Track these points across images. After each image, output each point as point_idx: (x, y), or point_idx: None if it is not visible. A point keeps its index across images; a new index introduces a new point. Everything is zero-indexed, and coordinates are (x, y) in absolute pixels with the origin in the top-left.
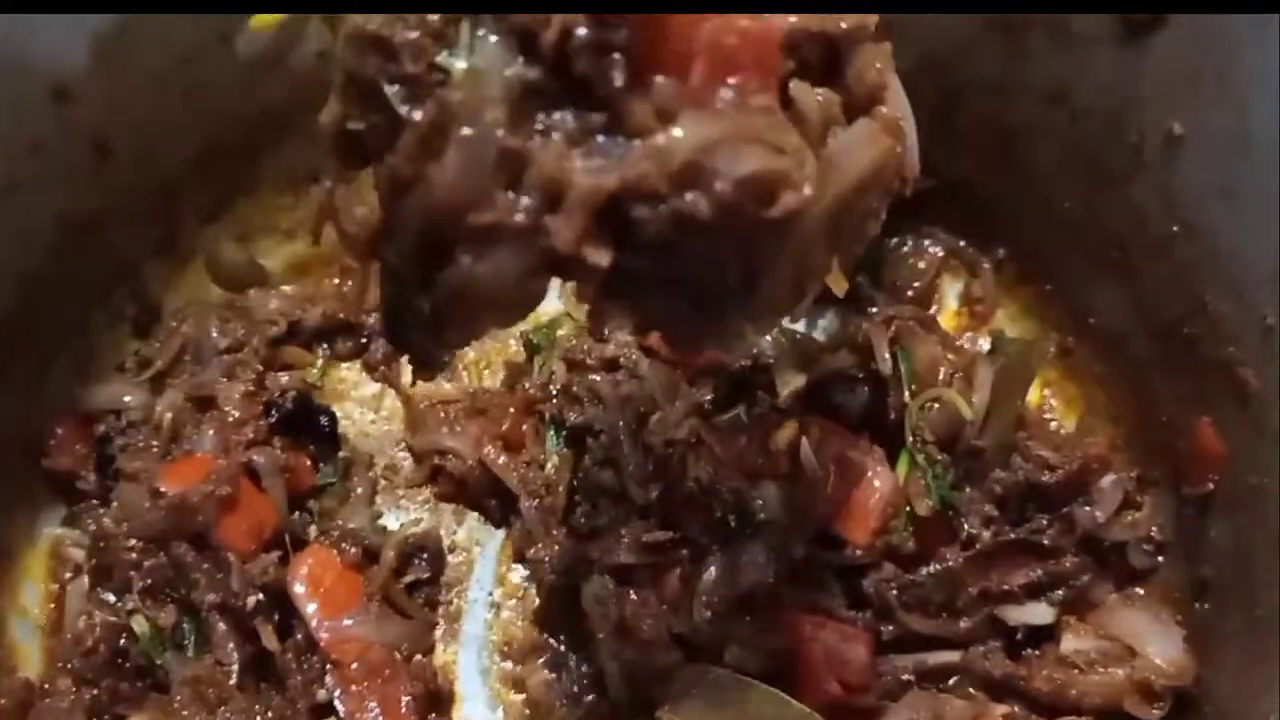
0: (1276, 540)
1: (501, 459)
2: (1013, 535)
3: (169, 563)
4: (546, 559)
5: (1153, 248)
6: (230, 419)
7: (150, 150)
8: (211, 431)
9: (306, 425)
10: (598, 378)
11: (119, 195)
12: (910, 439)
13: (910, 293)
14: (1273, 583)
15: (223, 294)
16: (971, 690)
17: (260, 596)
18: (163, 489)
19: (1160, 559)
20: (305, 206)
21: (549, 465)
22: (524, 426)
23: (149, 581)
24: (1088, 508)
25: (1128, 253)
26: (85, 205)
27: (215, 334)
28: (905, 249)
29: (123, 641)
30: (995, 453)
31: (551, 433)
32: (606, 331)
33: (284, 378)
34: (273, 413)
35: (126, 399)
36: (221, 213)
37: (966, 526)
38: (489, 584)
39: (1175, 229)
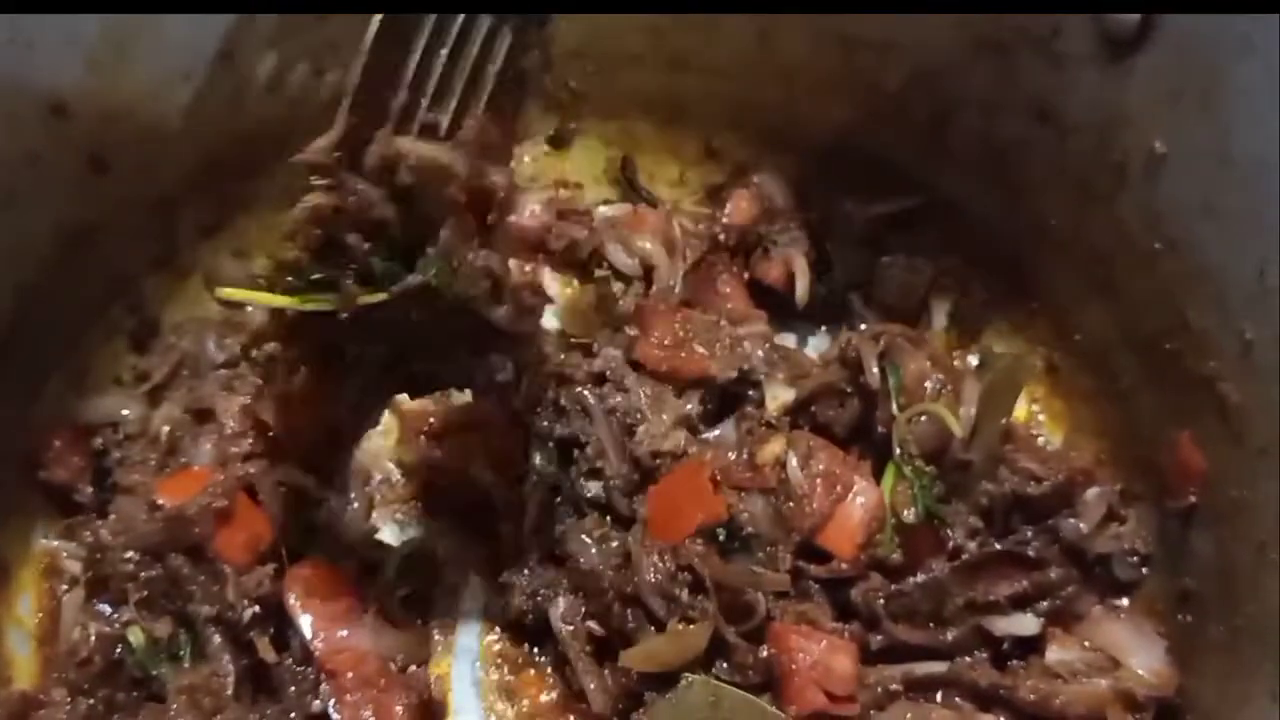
0: (1257, 552)
1: (488, 475)
2: (998, 546)
3: (165, 575)
4: (516, 582)
5: (1136, 264)
6: (228, 431)
7: (148, 165)
8: (209, 445)
9: None
10: (585, 391)
11: (116, 209)
12: (898, 452)
13: (900, 310)
14: (1253, 594)
15: (220, 310)
16: (958, 700)
17: (256, 609)
18: (160, 501)
19: (1144, 571)
20: None
21: (527, 484)
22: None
23: (145, 593)
24: (1073, 520)
25: (1112, 270)
26: (82, 218)
27: (213, 349)
28: (895, 267)
29: (118, 653)
30: (982, 466)
31: (538, 454)
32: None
33: None
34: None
35: (124, 412)
36: (220, 229)
37: (953, 538)
38: (482, 597)
39: (1158, 246)
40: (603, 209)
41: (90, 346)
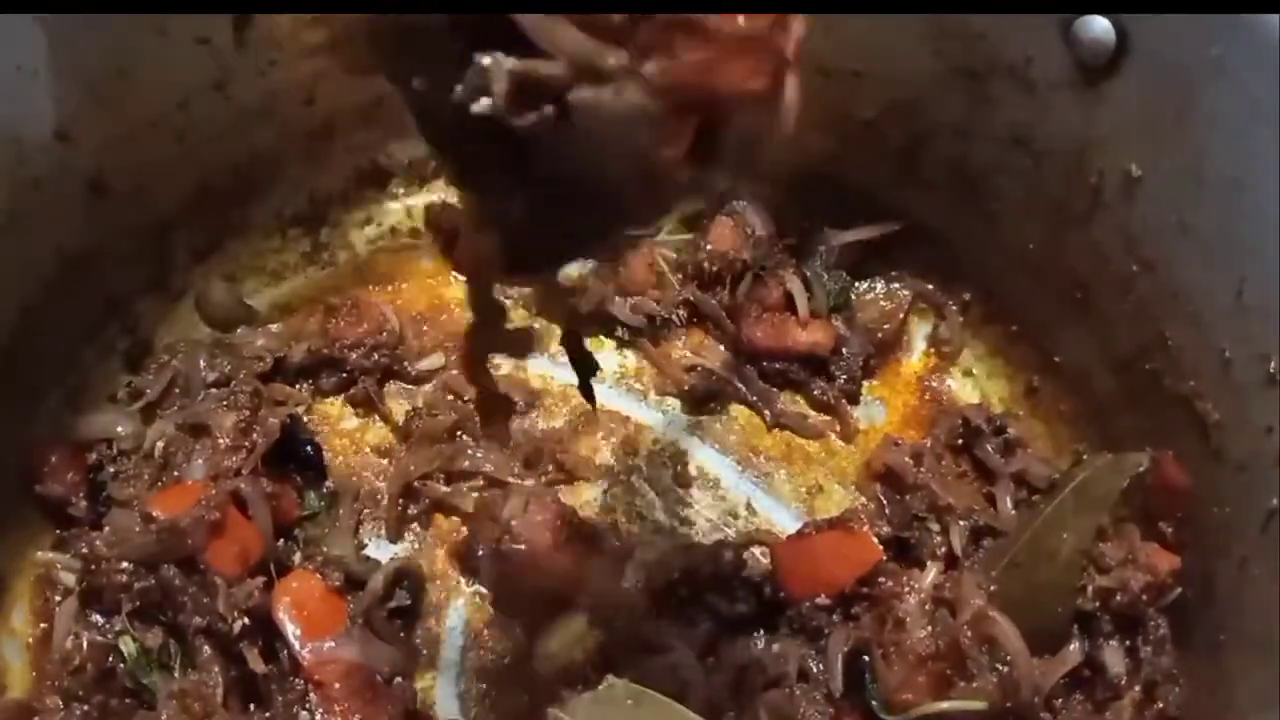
0: (1238, 568)
1: None
2: None
3: (158, 585)
4: None
5: (1114, 285)
6: (221, 446)
7: (144, 190)
8: (201, 461)
9: (292, 455)
10: None
11: (114, 233)
12: None
13: (880, 334)
14: (1236, 609)
15: (211, 332)
16: None
17: (246, 620)
18: (154, 514)
19: None
20: (291, 249)
21: None
22: None
23: (137, 604)
24: None
25: (1090, 291)
26: (82, 241)
27: (204, 368)
28: (874, 292)
29: (110, 661)
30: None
31: None
32: None
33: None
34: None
35: (119, 429)
36: (211, 253)
37: None
38: (466, 611)
39: (1135, 267)
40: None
41: (86, 365)
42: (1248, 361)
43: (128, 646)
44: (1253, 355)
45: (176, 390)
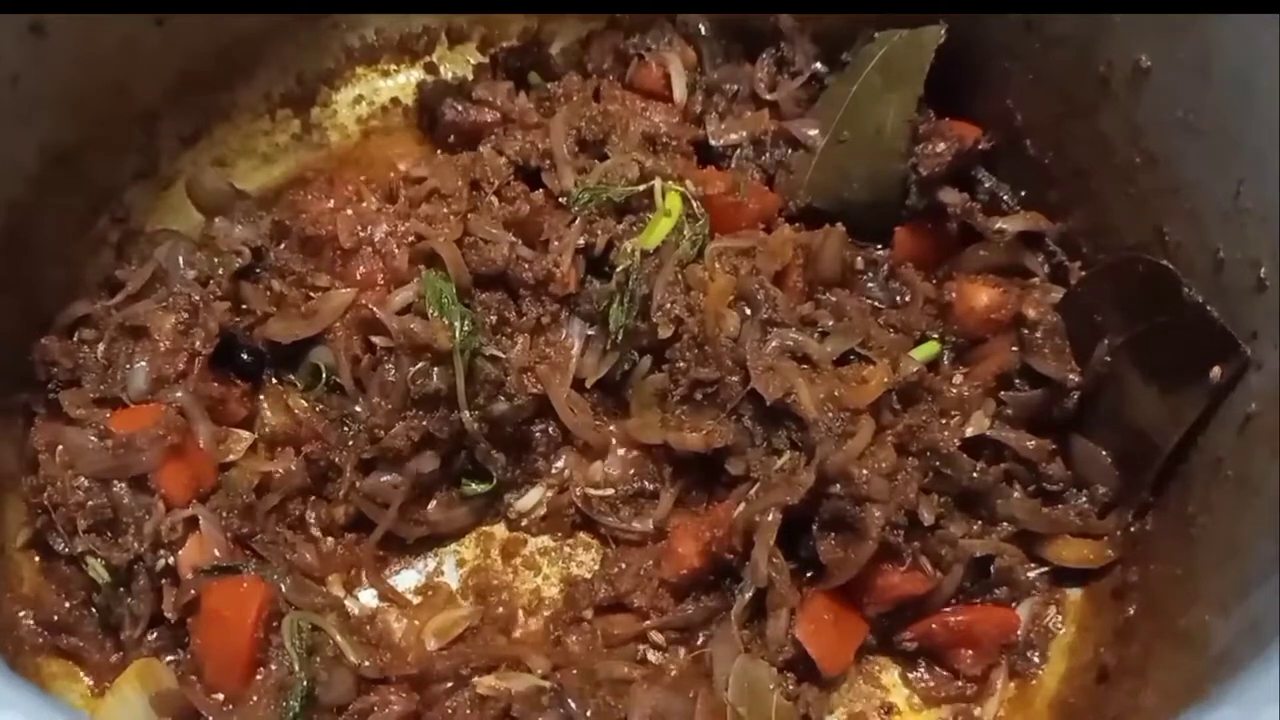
0: (1213, 466)
1: None
2: None
3: (109, 504)
4: None
5: (1116, 177)
6: (161, 349)
7: (126, 80)
8: (144, 363)
9: (232, 361)
10: None
11: (97, 125)
12: None
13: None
14: (1206, 506)
15: (201, 222)
16: None
17: (169, 560)
18: (112, 429)
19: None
20: (281, 131)
21: None
22: None
23: (91, 521)
24: None
25: (1092, 181)
26: (65, 137)
27: (183, 265)
28: None
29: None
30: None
31: None
32: None
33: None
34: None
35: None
36: (200, 139)
37: None
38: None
39: (1138, 159)
40: None
41: (79, 259)
42: (1239, 265)
43: (96, 571)
44: (1245, 259)
45: (159, 286)
